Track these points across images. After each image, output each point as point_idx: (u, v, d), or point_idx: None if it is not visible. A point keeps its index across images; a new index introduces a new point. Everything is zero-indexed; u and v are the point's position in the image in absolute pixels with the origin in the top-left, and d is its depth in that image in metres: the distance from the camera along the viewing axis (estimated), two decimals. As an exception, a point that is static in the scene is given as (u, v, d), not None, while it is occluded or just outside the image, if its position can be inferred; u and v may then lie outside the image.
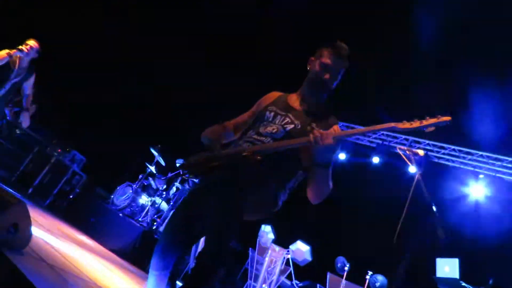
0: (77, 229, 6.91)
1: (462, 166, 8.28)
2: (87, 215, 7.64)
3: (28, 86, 5.40)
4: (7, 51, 5.08)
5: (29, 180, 7.67)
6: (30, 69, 5.37)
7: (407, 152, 2.54)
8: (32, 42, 5.37)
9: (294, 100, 2.70)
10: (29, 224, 2.82)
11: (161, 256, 2.41)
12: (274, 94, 2.83)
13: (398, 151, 2.54)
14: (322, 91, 2.60)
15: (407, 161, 2.51)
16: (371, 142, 9.77)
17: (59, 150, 8.32)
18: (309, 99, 2.64)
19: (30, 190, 7.57)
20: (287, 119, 2.54)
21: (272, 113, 2.62)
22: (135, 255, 7.12)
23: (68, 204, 8.17)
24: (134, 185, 8.19)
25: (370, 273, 5.27)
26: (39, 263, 3.03)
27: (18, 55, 5.13)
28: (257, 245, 6.43)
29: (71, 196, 8.22)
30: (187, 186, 8.58)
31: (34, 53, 5.33)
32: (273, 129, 2.50)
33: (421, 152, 2.57)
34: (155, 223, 8.14)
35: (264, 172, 2.33)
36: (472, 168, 8.14)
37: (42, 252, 3.39)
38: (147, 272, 6.71)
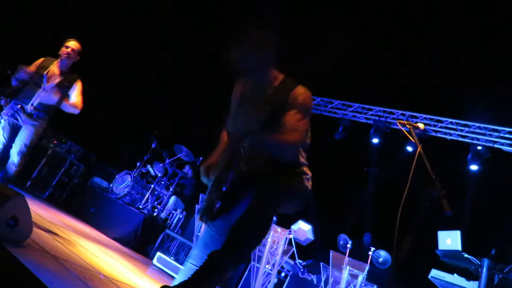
0: (78, 220, 6.91)
1: (460, 139, 8.29)
2: (87, 205, 7.64)
3: (74, 94, 4.47)
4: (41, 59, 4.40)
5: (27, 173, 7.63)
6: (73, 76, 4.49)
7: (407, 126, 2.51)
8: (73, 44, 4.52)
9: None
10: (29, 216, 2.80)
11: (203, 250, 2.51)
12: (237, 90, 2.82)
13: (398, 125, 2.50)
14: None
15: (408, 135, 2.49)
16: (368, 119, 9.73)
17: (54, 142, 8.27)
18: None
19: (28, 183, 7.55)
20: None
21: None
22: (137, 243, 7.15)
23: (67, 195, 8.16)
24: (133, 173, 8.17)
25: (372, 249, 5.30)
26: (42, 255, 3.02)
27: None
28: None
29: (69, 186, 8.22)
30: (186, 170, 8.57)
31: (75, 57, 4.50)
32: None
33: (421, 126, 2.53)
34: (155, 210, 8.14)
35: (262, 173, 2.42)
36: (470, 140, 8.14)
37: (45, 244, 3.37)
38: (150, 258, 6.73)
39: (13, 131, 4.20)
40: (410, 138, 2.40)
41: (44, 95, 4.23)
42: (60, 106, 4.32)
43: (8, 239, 2.63)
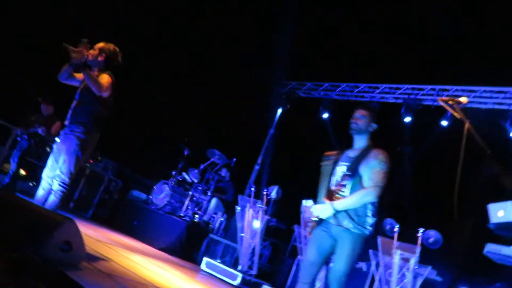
0: (124, 235, 7.03)
1: (496, 107, 7.93)
2: (130, 219, 7.77)
3: None
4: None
5: (68, 195, 7.80)
6: (99, 73, 3.99)
7: (450, 102, 2.40)
8: (99, 45, 4.04)
9: None
10: (80, 239, 2.85)
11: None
12: None
13: (441, 103, 2.39)
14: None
15: (452, 112, 2.38)
16: (397, 98, 9.48)
17: (91, 161, 8.44)
18: None
19: (71, 205, 7.72)
20: None
21: None
22: (184, 250, 7.23)
23: (109, 211, 8.32)
24: (170, 182, 8.25)
25: (421, 230, 5.15)
26: (98, 274, 3.07)
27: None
28: (301, 220, 6.40)
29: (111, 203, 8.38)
30: (223, 174, 8.58)
31: (96, 55, 3.97)
32: None
33: (463, 100, 2.42)
34: (196, 216, 8.21)
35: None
36: (507, 107, 7.78)
37: (98, 263, 3.43)
38: (198, 264, 6.80)
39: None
40: (455, 114, 2.30)
41: (75, 105, 3.97)
42: (95, 105, 3.90)
43: (64, 264, 2.68)
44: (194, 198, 8.25)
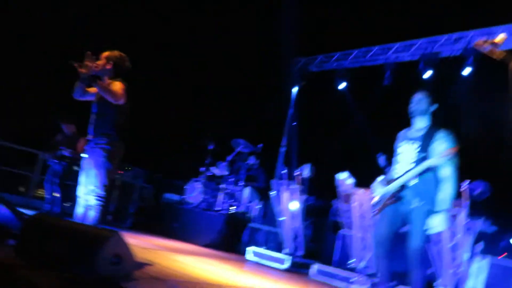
0: (166, 238, 7.07)
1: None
2: (169, 222, 7.83)
3: None
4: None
5: (104, 208, 7.88)
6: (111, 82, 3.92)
7: (486, 45, 2.24)
8: (105, 54, 3.98)
9: None
10: (128, 249, 2.83)
11: None
12: None
13: (477, 47, 2.24)
14: None
15: (491, 55, 2.23)
16: (412, 55, 9.17)
17: (119, 172, 8.50)
18: None
19: (109, 217, 7.80)
20: None
21: None
22: (227, 243, 7.25)
23: (147, 218, 8.39)
24: (200, 179, 8.25)
25: (467, 181, 4.95)
26: (152, 282, 3.07)
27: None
28: (339, 194, 6.31)
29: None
30: (252, 162, 8.52)
31: (105, 65, 3.91)
32: None
33: (500, 39, 2.24)
34: (232, 208, 8.20)
35: None
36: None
37: (150, 271, 3.43)
38: (242, 254, 6.78)
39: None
40: (495, 56, 2.14)
41: (95, 118, 3.93)
42: (113, 114, 3.86)
43: (118, 276, 2.67)
44: (227, 191, 8.23)
